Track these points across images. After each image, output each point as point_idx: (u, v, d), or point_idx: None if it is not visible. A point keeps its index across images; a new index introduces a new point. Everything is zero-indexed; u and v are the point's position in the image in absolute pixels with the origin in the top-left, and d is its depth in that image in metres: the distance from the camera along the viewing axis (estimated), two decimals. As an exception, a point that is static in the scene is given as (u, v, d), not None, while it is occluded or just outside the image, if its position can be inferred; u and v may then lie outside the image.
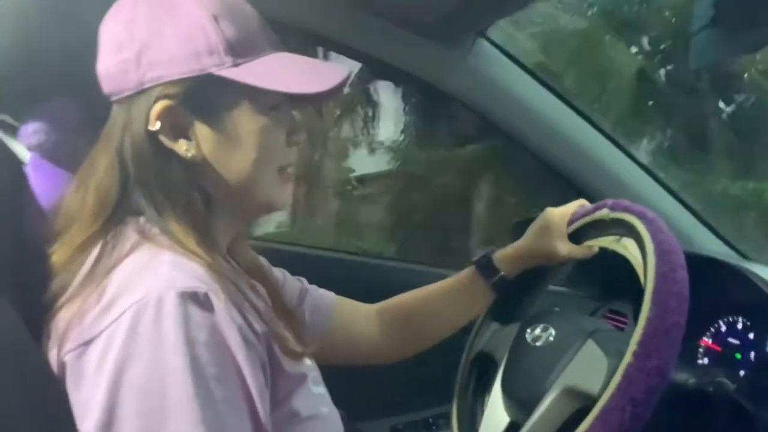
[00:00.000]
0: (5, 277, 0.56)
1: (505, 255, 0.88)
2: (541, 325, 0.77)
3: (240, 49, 0.61)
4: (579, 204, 0.87)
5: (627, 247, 0.76)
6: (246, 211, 0.67)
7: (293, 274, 0.87)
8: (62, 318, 0.55)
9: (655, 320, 0.63)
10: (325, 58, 1.40)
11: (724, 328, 0.92)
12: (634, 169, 1.21)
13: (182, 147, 0.60)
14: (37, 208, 0.64)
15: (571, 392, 0.69)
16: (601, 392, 0.64)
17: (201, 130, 0.61)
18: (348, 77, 0.63)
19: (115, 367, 0.51)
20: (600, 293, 1.25)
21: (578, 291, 1.29)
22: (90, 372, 0.52)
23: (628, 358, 0.63)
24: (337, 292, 0.89)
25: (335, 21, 1.08)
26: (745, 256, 1.19)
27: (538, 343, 0.76)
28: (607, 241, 0.80)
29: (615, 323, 1.13)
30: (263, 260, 0.81)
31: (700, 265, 0.77)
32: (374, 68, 1.19)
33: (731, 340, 0.90)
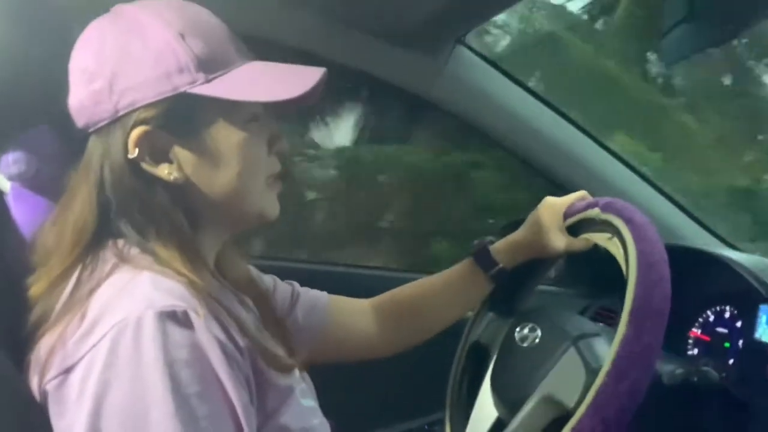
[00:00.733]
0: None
1: (502, 246, 0.87)
2: (529, 325, 0.77)
3: (211, 64, 0.60)
4: (580, 196, 0.85)
5: (618, 246, 0.75)
6: (234, 224, 0.67)
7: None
8: (44, 345, 0.55)
9: (630, 340, 0.63)
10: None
11: (712, 318, 0.93)
12: (617, 166, 1.22)
13: (164, 171, 0.60)
14: (18, 238, 0.64)
15: (549, 400, 0.70)
16: (575, 407, 0.65)
17: (181, 151, 0.61)
18: (323, 77, 0.62)
19: (96, 392, 0.50)
20: (592, 290, 1.26)
21: (569, 290, 1.30)
22: (72, 399, 0.52)
23: (601, 377, 0.63)
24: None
25: (312, 35, 1.08)
26: (731, 245, 1.20)
27: (524, 344, 0.76)
28: (601, 238, 0.79)
29: (606, 320, 1.14)
30: (253, 270, 0.80)
31: (685, 257, 0.78)
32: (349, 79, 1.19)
33: (719, 329, 0.91)
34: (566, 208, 0.84)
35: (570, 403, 0.66)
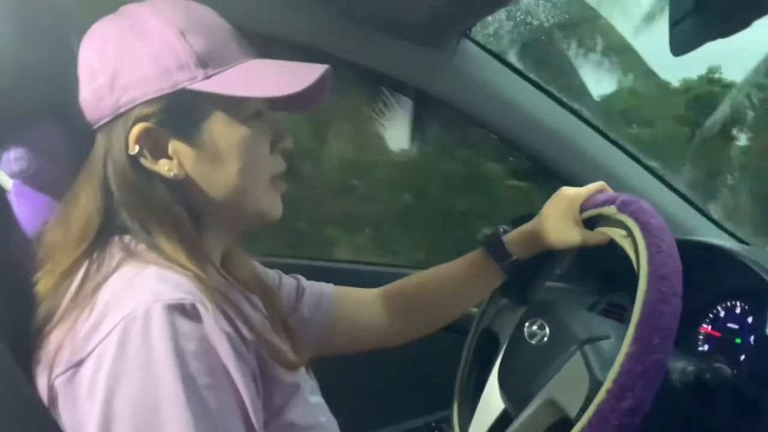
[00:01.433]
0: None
1: (516, 237, 0.84)
2: (539, 322, 0.76)
3: (211, 61, 0.61)
4: (597, 188, 0.81)
5: (633, 247, 0.71)
6: (237, 223, 0.67)
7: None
8: (52, 341, 0.55)
9: (634, 358, 0.61)
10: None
11: (722, 314, 0.92)
12: (626, 161, 1.21)
13: (164, 167, 0.61)
14: (22, 236, 0.63)
15: (552, 405, 0.69)
16: (577, 418, 0.64)
17: (181, 147, 0.61)
18: (326, 74, 0.62)
19: (106, 385, 0.51)
20: (601, 286, 1.25)
21: (578, 286, 1.29)
22: (82, 394, 0.52)
23: (602, 394, 0.61)
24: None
25: (318, 29, 1.08)
26: (742, 241, 1.19)
27: (533, 341, 0.75)
28: (618, 234, 0.75)
29: (615, 316, 1.13)
30: (258, 266, 0.80)
31: (695, 252, 0.77)
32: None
33: (730, 325, 0.89)
34: (584, 201, 0.80)
35: (572, 411, 0.65)
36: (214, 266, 0.64)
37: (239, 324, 0.58)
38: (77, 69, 0.63)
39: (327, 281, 0.88)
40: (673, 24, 0.71)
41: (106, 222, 0.60)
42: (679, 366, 0.75)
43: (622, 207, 0.73)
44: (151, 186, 0.60)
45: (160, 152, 0.61)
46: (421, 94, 1.19)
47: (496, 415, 0.78)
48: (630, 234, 0.71)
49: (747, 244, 1.15)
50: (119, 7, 0.64)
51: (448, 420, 0.90)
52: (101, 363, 0.51)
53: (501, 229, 0.86)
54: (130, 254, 0.58)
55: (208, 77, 0.60)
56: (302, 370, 0.66)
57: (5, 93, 0.65)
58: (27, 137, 0.66)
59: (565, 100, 1.19)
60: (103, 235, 0.60)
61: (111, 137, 0.60)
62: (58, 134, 0.67)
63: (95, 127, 0.62)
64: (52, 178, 0.65)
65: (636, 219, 0.70)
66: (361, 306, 0.88)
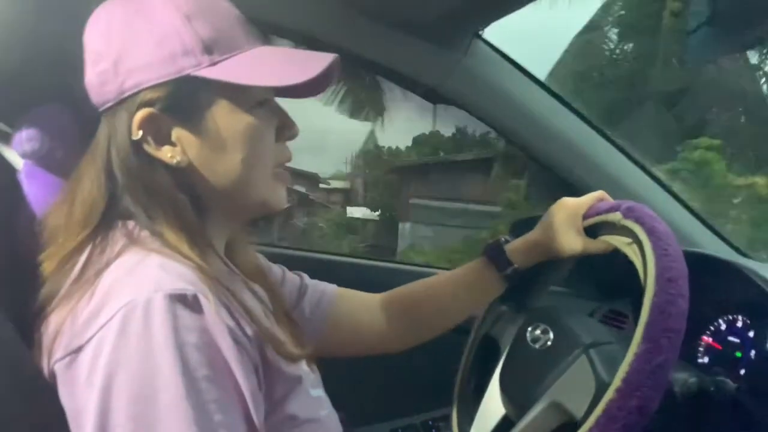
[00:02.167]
0: (-2, 285, 0.56)
1: (518, 246, 0.85)
2: (542, 327, 0.76)
3: (216, 48, 0.60)
4: (598, 197, 0.83)
5: (637, 255, 0.73)
6: (240, 212, 0.67)
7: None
8: (51, 324, 0.55)
9: (643, 357, 0.62)
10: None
11: (724, 327, 0.92)
12: (633, 170, 1.21)
13: (167, 154, 0.60)
14: (30, 216, 0.63)
15: (557, 407, 0.69)
16: (584, 419, 0.64)
17: (184, 134, 0.61)
18: (334, 63, 0.62)
19: (105, 373, 0.50)
20: (601, 293, 1.25)
21: (580, 291, 1.29)
22: (81, 380, 0.52)
23: (610, 393, 0.62)
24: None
25: (329, 24, 1.07)
26: (744, 254, 1.18)
27: (536, 345, 0.75)
28: (621, 242, 0.76)
29: (615, 324, 1.13)
30: (263, 259, 0.80)
31: (700, 264, 0.77)
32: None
33: (731, 338, 0.89)
34: (586, 209, 0.81)
35: (578, 413, 0.65)
36: (218, 255, 0.64)
37: (241, 315, 0.57)
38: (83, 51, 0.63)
39: (332, 275, 0.88)
40: (691, 32, 0.71)
41: (109, 206, 0.60)
42: (681, 377, 0.75)
43: (627, 213, 0.74)
44: (153, 172, 0.60)
45: (163, 138, 0.60)
46: (430, 92, 1.18)
47: (497, 421, 0.78)
48: (636, 240, 0.72)
49: (750, 258, 1.15)
50: None
51: (446, 418, 0.90)
52: (100, 350, 0.51)
53: (503, 238, 0.87)
54: (132, 241, 0.58)
55: (213, 64, 0.59)
56: (304, 362, 0.66)
57: (18, 74, 0.65)
58: (40, 118, 0.66)
59: (574, 105, 1.19)
60: (106, 219, 0.59)
61: (115, 122, 0.60)
62: (70, 116, 0.67)
63: (100, 110, 0.61)
64: (62, 160, 0.65)
65: (642, 224, 0.71)
66: (362, 309, 0.88)
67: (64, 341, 0.53)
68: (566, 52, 9.39)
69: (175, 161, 0.60)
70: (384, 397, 1.02)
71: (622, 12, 9.26)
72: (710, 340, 0.93)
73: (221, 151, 0.61)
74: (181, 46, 0.59)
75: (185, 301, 0.52)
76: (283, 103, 0.69)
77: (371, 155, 15.71)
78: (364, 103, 9.23)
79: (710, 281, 0.87)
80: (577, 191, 1.18)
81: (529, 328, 0.77)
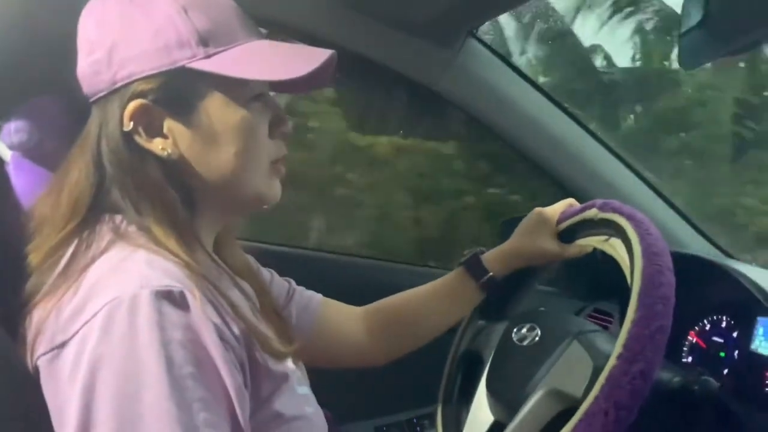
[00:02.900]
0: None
1: (494, 255, 0.87)
2: (528, 325, 0.77)
3: (212, 40, 0.59)
4: (568, 203, 0.87)
5: (615, 248, 0.75)
6: (232, 206, 0.66)
7: (283, 273, 0.86)
8: (35, 318, 0.54)
9: (641, 323, 0.63)
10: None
11: (708, 327, 0.93)
12: (622, 170, 1.22)
13: (158, 146, 0.59)
14: (17, 208, 0.63)
15: (555, 394, 0.69)
16: (585, 395, 0.64)
17: (176, 127, 0.60)
18: (332, 59, 0.61)
19: (89, 369, 0.50)
20: (586, 293, 1.26)
21: (564, 290, 1.30)
22: (64, 376, 0.51)
23: (612, 361, 0.62)
24: (328, 292, 0.88)
25: (323, 20, 1.07)
26: (730, 255, 1.20)
27: (524, 343, 0.76)
28: (596, 241, 0.80)
29: (600, 323, 1.14)
30: (252, 260, 0.80)
31: (686, 264, 0.78)
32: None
33: (716, 338, 0.91)
34: (560, 214, 0.85)
35: (578, 393, 0.66)
36: (206, 251, 0.63)
37: (227, 313, 0.57)
38: (76, 42, 0.62)
39: (330, 274, 0.88)
40: (683, 36, 0.71)
41: (97, 199, 0.59)
42: (666, 377, 0.76)
43: (604, 207, 0.78)
44: (144, 165, 0.59)
45: (154, 130, 0.59)
46: (423, 90, 1.18)
47: (487, 428, 0.77)
48: (615, 230, 0.75)
49: (736, 258, 1.16)
50: None
51: (431, 416, 0.91)
52: (84, 346, 0.50)
53: (479, 249, 0.88)
54: (119, 236, 0.57)
55: (208, 56, 0.59)
56: (290, 360, 0.66)
57: (9, 64, 0.64)
58: (29, 109, 0.65)
59: (566, 105, 1.20)
60: (93, 212, 0.58)
61: (106, 112, 0.59)
62: (60, 107, 0.66)
63: (91, 101, 0.60)
64: (51, 152, 0.64)
65: (621, 213, 0.75)
66: (345, 321, 0.88)
67: (47, 336, 0.53)
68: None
69: (166, 153, 0.59)
70: (369, 394, 1.02)
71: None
72: (695, 340, 0.94)
73: (213, 144, 0.61)
74: (176, 37, 0.58)
75: (171, 298, 0.52)
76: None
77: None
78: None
79: (696, 282, 0.88)
80: (567, 191, 1.20)
81: (515, 329, 0.78)
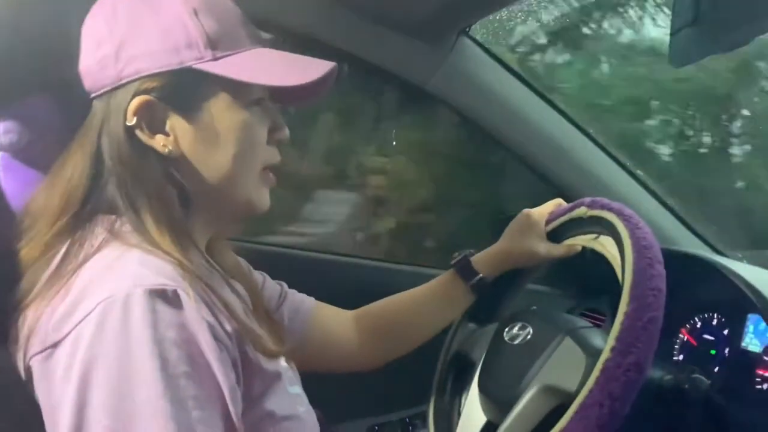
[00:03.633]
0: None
1: (483, 257, 0.88)
2: (519, 324, 0.77)
3: (220, 43, 0.60)
4: (556, 203, 0.88)
5: (604, 245, 0.76)
6: (225, 211, 0.67)
7: (277, 273, 0.86)
8: (28, 318, 0.55)
9: (633, 315, 0.64)
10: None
11: (699, 324, 0.94)
12: (615, 169, 1.22)
13: (159, 142, 0.60)
14: (6, 209, 0.62)
15: (548, 390, 0.69)
16: (579, 389, 0.64)
17: (179, 125, 0.61)
18: (333, 71, 0.63)
19: (83, 368, 0.50)
20: (578, 291, 1.26)
21: (556, 289, 1.30)
22: (58, 376, 0.51)
23: (606, 353, 0.63)
24: (322, 293, 0.89)
25: (316, 19, 1.07)
26: (721, 253, 1.20)
27: (515, 342, 0.76)
28: (585, 239, 0.81)
29: (593, 322, 1.14)
30: (244, 262, 0.80)
31: (677, 262, 0.78)
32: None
33: (706, 336, 0.91)
34: (548, 214, 0.86)
35: (572, 387, 0.66)
36: (200, 251, 0.64)
37: (220, 312, 0.57)
38: (70, 42, 0.62)
39: (328, 275, 0.88)
40: (673, 34, 0.71)
41: (92, 192, 0.59)
42: (657, 374, 0.76)
43: (593, 204, 0.80)
44: (144, 160, 0.60)
45: (157, 127, 0.60)
46: (415, 89, 1.18)
47: (480, 429, 0.77)
48: (604, 227, 0.76)
49: (727, 256, 1.16)
50: None
51: (423, 416, 0.91)
52: (78, 346, 0.50)
53: (468, 251, 0.89)
54: (113, 235, 0.57)
55: (215, 59, 0.60)
56: (283, 359, 0.66)
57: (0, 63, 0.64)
58: (19, 110, 0.65)
59: (559, 104, 1.20)
60: (87, 208, 0.59)
61: (109, 107, 0.60)
62: (50, 108, 0.66)
63: (93, 95, 0.61)
64: (42, 153, 0.64)
65: (610, 209, 0.76)
66: (336, 325, 0.88)
67: (41, 336, 0.53)
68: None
69: (167, 150, 0.60)
70: (361, 394, 1.02)
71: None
72: (685, 337, 0.95)
73: (214, 144, 0.62)
74: (185, 38, 0.59)
75: (165, 297, 0.52)
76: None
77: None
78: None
79: (687, 279, 0.88)
80: (559, 190, 1.20)
81: (506, 329, 0.78)
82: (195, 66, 0.59)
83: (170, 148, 0.60)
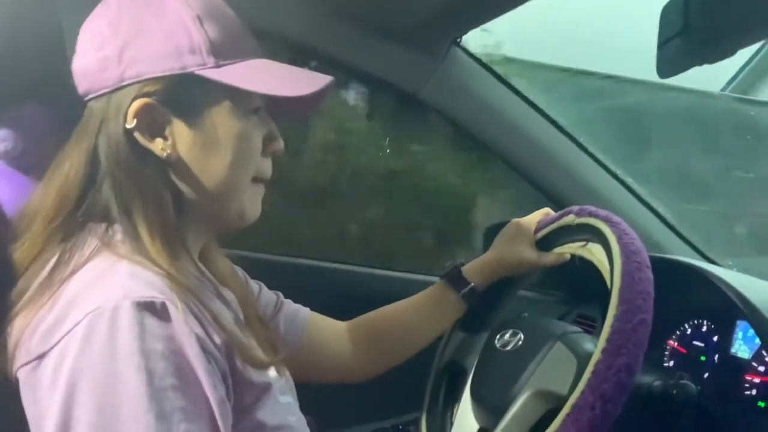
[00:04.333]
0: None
1: (474, 266, 0.89)
2: (510, 331, 0.78)
3: (222, 51, 0.61)
4: (544, 212, 0.89)
5: (593, 252, 0.77)
6: (216, 219, 0.66)
7: (276, 282, 0.86)
8: (17, 327, 0.54)
9: (623, 317, 0.64)
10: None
11: (689, 331, 0.94)
12: (605, 177, 1.23)
13: (158, 146, 0.60)
14: (1, 216, 0.62)
15: (541, 394, 0.70)
16: (571, 392, 0.65)
17: (178, 129, 0.61)
18: (330, 84, 0.63)
19: (69, 380, 0.49)
20: (569, 298, 1.27)
21: (548, 296, 1.31)
22: (44, 387, 0.51)
23: (597, 355, 0.64)
24: (317, 300, 0.89)
25: (308, 27, 1.07)
26: (711, 260, 1.21)
27: (507, 348, 0.76)
28: (574, 247, 0.82)
29: (584, 328, 1.15)
30: (239, 270, 0.80)
31: (667, 269, 0.79)
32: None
33: (696, 342, 0.92)
34: (537, 223, 0.87)
35: (564, 390, 0.67)
36: (192, 259, 0.64)
37: (210, 324, 0.57)
38: (63, 48, 0.62)
39: (325, 282, 0.88)
40: (661, 44, 0.72)
41: (86, 194, 0.59)
42: (646, 381, 0.77)
43: (581, 212, 0.81)
44: (141, 163, 0.60)
45: (156, 130, 0.60)
46: (407, 97, 1.19)
47: None
48: (593, 234, 0.77)
49: (717, 264, 1.18)
50: None
51: (417, 422, 0.91)
52: (64, 357, 0.50)
53: (459, 261, 0.90)
54: (104, 244, 0.57)
55: (218, 66, 0.60)
56: (273, 369, 0.66)
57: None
58: (13, 117, 0.65)
59: (549, 114, 1.21)
60: (82, 209, 0.59)
61: (109, 108, 0.60)
62: (44, 116, 0.66)
63: (91, 96, 0.61)
64: (35, 161, 0.64)
65: (597, 216, 0.78)
66: (330, 335, 0.88)
67: (28, 346, 0.52)
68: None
69: (165, 154, 0.60)
70: (354, 401, 1.02)
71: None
72: (675, 344, 0.95)
73: (212, 151, 0.62)
74: (188, 43, 0.59)
75: (153, 309, 0.52)
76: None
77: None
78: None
79: (677, 286, 0.89)
80: (550, 198, 1.21)
81: (497, 336, 0.78)
82: (197, 72, 0.60)
83: (168, 152, 0.60)
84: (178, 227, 0.61)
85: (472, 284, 0.87)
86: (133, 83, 0.59)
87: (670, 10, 0.70)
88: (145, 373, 0.50)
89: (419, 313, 0.89)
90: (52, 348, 0.51)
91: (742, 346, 0.86)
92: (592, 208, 0.80)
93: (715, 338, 0.90)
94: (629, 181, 1.25)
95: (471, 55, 1.17)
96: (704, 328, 0.92)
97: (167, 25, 0.60)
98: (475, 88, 1.17)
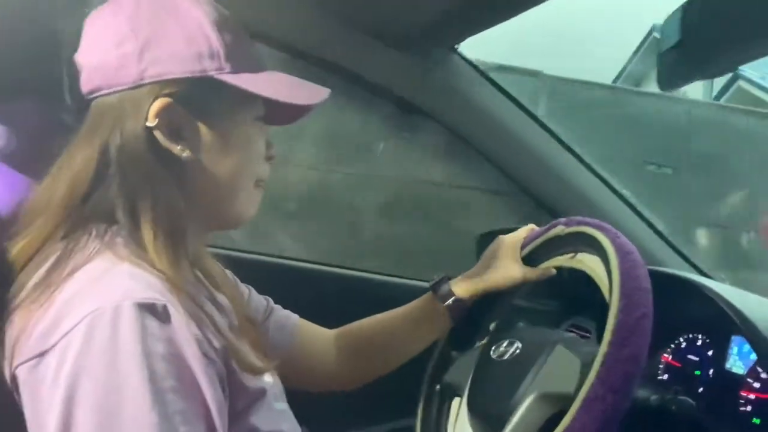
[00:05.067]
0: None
1: (461, 280, 0.89)
2: (506, 341, 0.77)
3: (236, 60, 0.62)
4: (529, 228, 0.89)
5: (583, 262, 0.78)
6: (217, 220, 0.67)
7: (266, 284, 0.86)
8: (15, 324, 0.54)
9: (626, 311, 0.65)
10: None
11: (684, 345, 0.94)
12: (601, 188, 1.23)
13: (176, 146, 0.60)
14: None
15: (545, 398, 0.69)
16: (578, 389, 0.65)
17: (197, 131, 0.62)
18: (326, 96, 0.66)
19: (69, 380, 0.49)
20: (562, 308, 1.26)
21: (541, 306, 1.30)
22: (44, 386, 0.50)
23: (604, 347, 0.64)
24: (307, 303, 0.88)
25: (306, 31, 1.08)
26: (705, 274, 1.21)
27: (504, 358, 0.76)
28: (562, 260, 0.82)
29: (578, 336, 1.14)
30: (229, 273, 0.80)
31: (662, 282, 0.79)
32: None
33: (691, 356, 0.91)
34: (524, 239, 0.87)
35: (570, 389, 0.67)
36: (189, 260, 0.64)
37: (208, 327, 0.57)
38: (60, 45, 0.62)
39: (317, 285, 0.88)
40: (660, 55, 0.72)
41: (94, 190, 0.59)
42: (642, 395, 0.76)
43: (569, 222, 0.82)
44: (157, 163, 0.60)
45: (176, 131, 0.61)
46: (403, 102, 1.19)
47: None
48: (585, 242, 0.78)
49: (711, 278, 1.17)
50: None
51: (410, 428, 0.90)
52: (65, 356, 0.50)
53: (446, 275, 0.90)
54: (105, 246, 0.57)
55: (235, 72, 0.61)
56: (268, 375, 0.66)
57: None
58: (8, 114, 0.64)
59: (546, 123, 1.21)
60: (88, 205, 0.58)
61: (125, 106, 0.59)
62: (38, 113, 0.65)
63: (102, 93, 0.60)
64: (30, 158, 0.63)
65: (587, 224, 0.78)
66: (318, 343, 0.89)
67: (27, 344, 0.52)
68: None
69: (184, 154, 0.60)
70: (347, 407, 1.02)
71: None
72: (670, 358, 0.95)
73: (226, 154, 0.63)
74: (207, 47, 0.60)
75: (154, 311, 0.52)
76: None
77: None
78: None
79: (671, 299, 0.88)
80: (545, 207, 1.20)
81: (493, 348, 0.78)
82: (217, 76, 0.60)
83: (187, 152, 0.61)
84: (183, 225, 0.61)
85: (458, 297, 0.87)
86: (153, 82, 0.59)
87: (670, 23, 0.70)
88: (146, 374, 0.50)
89: (406, 324, 0.90)
90: (53, 346, 0.51)
91: (737, 362, 0.86)
92: (580, 218, 0.81)
93: (710, 353, 0.89)
94: (626, 192, 1.25)
95: (469, 62, 1.17)
96: (699, 342, 0.92)
97: (188, 29, 0.60)
98: (472, 95, 1.17)
